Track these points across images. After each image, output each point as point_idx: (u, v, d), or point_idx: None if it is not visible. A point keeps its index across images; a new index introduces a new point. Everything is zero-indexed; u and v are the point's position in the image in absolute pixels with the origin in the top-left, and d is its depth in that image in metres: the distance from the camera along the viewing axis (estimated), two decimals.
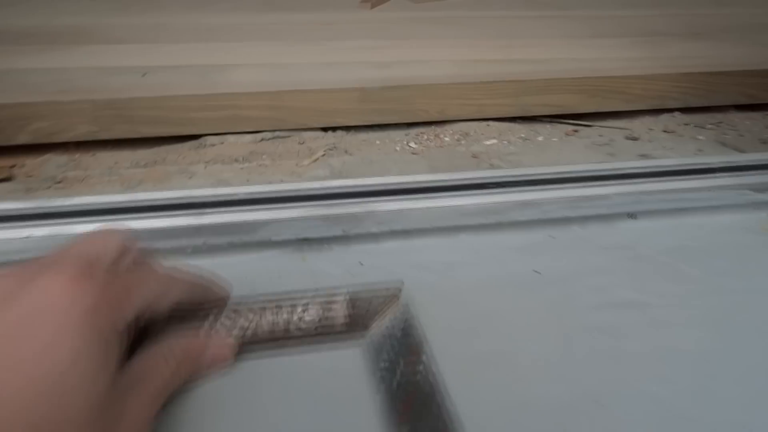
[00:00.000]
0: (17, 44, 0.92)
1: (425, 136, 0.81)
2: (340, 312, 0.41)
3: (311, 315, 0.40)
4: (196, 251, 0.48)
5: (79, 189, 0.64)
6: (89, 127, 0.74)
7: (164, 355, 0.35)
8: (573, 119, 0.86)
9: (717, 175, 0.56)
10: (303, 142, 0.79)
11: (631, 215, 0.55)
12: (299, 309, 0.40)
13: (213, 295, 0.40)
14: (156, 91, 0.76)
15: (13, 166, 0.70)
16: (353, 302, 0.42)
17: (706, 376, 0.39)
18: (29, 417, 0.27)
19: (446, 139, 0.80)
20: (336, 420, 0.36)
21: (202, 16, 1.11)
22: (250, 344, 0.39)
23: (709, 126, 0.86)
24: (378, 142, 0.80)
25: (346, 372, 0.39)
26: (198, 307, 0.38)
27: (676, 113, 0.88)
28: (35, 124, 0.73)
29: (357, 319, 0.41)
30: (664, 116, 0.88)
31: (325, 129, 0.81)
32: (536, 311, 0.45)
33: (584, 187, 0.54)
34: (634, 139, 0.81)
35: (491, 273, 0.49)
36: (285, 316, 0.40)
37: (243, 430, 0.35)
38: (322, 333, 0.40)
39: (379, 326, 0.41)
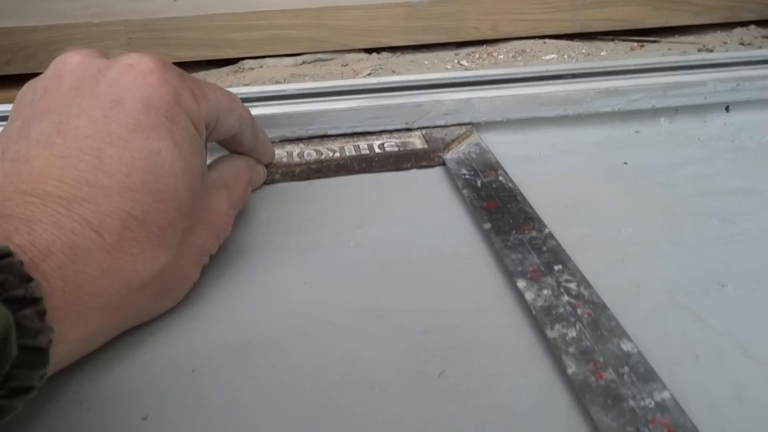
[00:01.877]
0: None
1: (477, 55, 0.76)
2: (417, 142, 0.44)
3: (390, 145, 0.44)
4: None
5: None
6: (123, 51, 0.70)
7: (247, 163, 0.38)
8: (638, 35, 0.80)
9: None
10: (346, 64, 0.74)
11: (726, 107, 0.50)
12: (378, 142, 0.44)
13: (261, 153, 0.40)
14: (191, 11, 0.72)
15: None
16: (429, 135, 0.46)
17: None
18: (133, 197, 0.26)
19: (501, 57, 0.75)
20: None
21: None
22: (339, 169, 0.42)
23: None
24: (426, 62, 0.75)
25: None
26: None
27: (752, 26, 0.81)
28: (67, 49, 0.68)
29: (434, 146, 0.44)
30: (738, 29, 0.81)
31: (369, 51, 0.76)
32: (633, 198, 0.40)
33: (677, 74, 0.48)
34: (709, 51, 0.74)
35: (574, 165, 0.44)
36: (366, 146, 0.44)
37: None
38: (402, 158, 0.43)
39: (456, 152, 0.43)
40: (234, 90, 0.46)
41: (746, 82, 0.48)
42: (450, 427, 0.24)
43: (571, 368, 0.25)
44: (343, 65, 0.74)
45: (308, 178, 0.41)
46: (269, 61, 0.74)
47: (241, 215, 0.37)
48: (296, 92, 0.47)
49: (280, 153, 0.43)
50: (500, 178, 0.39)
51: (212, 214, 0.31)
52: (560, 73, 0.49)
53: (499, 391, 0.26)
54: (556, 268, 0.31)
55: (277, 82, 0.70)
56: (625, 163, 0.44)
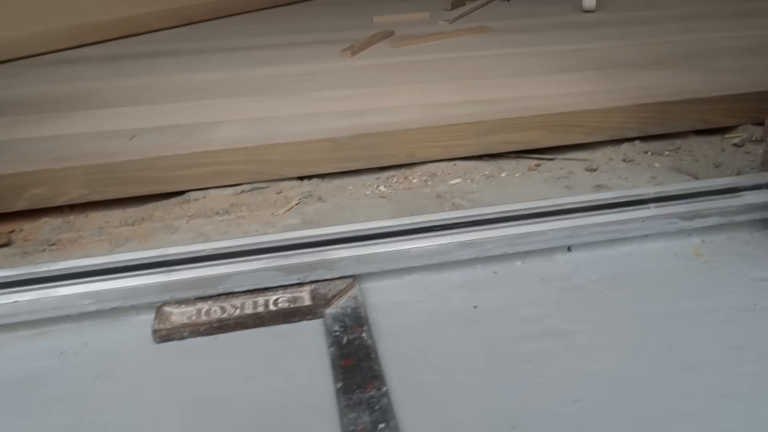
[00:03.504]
0: (21, 113, 1.00)
1: (395, 179, 0.87)
2: (306, 297, 0.55)
3: (283, 300, 0.54)
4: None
5: (71, 250, 0.71)
6: (82, 191, 0.81)
7: None
8: (537, 154, 0.91)
9: (648, 206, 0.61)
10: (280, 192, 0.85)
11: (569, 248, 0.60)
12: (274, 297, 0.55)
13: None
14: (143, 153, 0.83)
15: (12, 231, 0.77)
16: (315, 291, 0.56)
17: (615, 395, 0.44)
18: None
19: (414, 180, 0.86)
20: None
21: (193, 75, 1.19)
22: (237, 325, 0.52)
23: (667, 152, 0.90)
24: (350, 187, 0.86)
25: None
26: None
27: (637, 142, 0.93)
28: (32, 191, 0.80)
29: (318, 302, 0.54)
30: (625, 145, 0.93)
31: (301, 178, 0.88)
32: (471, 343, 0.50)
33: (524, 224, 0.59)
34: (593, 170, 0.86)
35: (433, 311, 0.54)
36: (263, 302, 0.54)
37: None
38: (290, 314, 0.53)
39: (336, 306, 0.54)
40: (157, 252, 0.56)
41: (579, 229, 0.59)
42: None
43: None
44: (277, 193, 0.85)
45: (212, 333, 0.52)
46: (212, 191, 0.85)
47: (148, 371, 0.47)
48: (210, 253, 0.58)
49: (191, 311, 0.53)
50: (363, 334, 0.50)
51: None
52: (429, 225, 0.60)
53: None
54: (380, 426, 0.40)
55: (217, 213, 0.81)
56: (475, 307, 0.55)
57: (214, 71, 1.21)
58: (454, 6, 1.70)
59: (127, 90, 1.12)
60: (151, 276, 0.54)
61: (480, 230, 0.59)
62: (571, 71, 1.08)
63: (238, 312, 0.53)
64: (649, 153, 0.90)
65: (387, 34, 1.41)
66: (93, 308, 0.53)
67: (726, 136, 0.94)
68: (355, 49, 1.29)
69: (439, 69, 1.15)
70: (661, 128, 0.93)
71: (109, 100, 1.06)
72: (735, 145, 0.92)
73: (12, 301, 0.52)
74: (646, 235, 0.61)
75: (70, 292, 0.52)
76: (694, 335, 0.49)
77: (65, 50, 1.46)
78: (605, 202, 0.62)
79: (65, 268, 0.55)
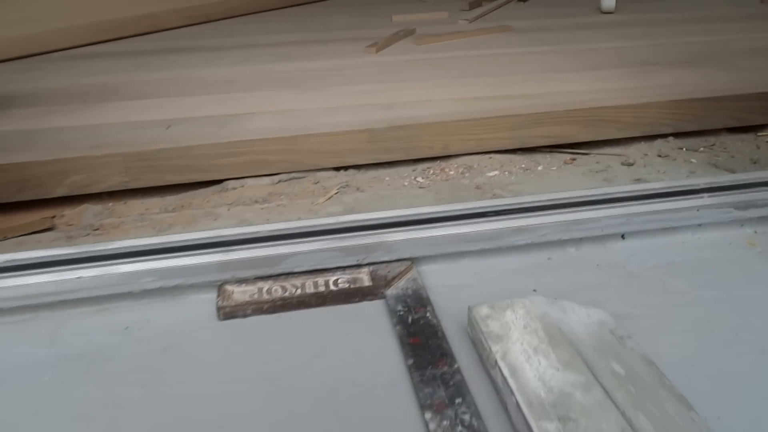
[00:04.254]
0: (51, 104, 1.00)
1: (431, 171, 0.87)
2: (365, 278, 0.55)
3: (342, 281, 0.55)
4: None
5: (115, 235, 0.71)
6: (121, 178, 0.81)
7: None
8: (571, 148, 0.92)
9: (701, 195, 0.61)
10: (317, 182, 0.85)
11: (622, 236, 0.61)
12: (333, 278, 0.55)
13: None
14: (180, 142, 0.83)
15: (53, 217, 0.77)
16: (374, 272, 0.55)
17: (687, 377, 0.44)
18: None
19: (451, 172, 0.87)
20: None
21: (217, 70, 1.19)
22: (299, 304, 0.52)
23: (702, 149, 0.91)
24: (387, 178, 0.86)
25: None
26: None
27: (670, 138, 0.93)
28: (71, 178, 0.80)
29: (378, 283, 0.54)
30: (659, 141, 0.93)
31: (337, 168, 0.88)
32: None
33: (578, 211, 0.59)
34: (630, 164, 0.86)
35: (492, 294, 0.54)
36: (323, 282, 0.55)
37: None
38: (351, 294, 0.54)
39: (396, 287, 0.54)
40: (217, 233, 0.56)
41: (633, 217, 0.59)
42: None
43: None
44: (314, 183, 0.85)
45: (275, 312, 0.51)
46: (249, 181, 0.85)
47: (215, 347, 0.47)
48: (268, 234, 0.58)
49: (252, 289, 0.53)
50: (428, 314, 0.50)
51: None
52: (484, 210, 0.60)
53: None
54: (457, 401, 0.40)
55: (256, 201, 0.81)
56: (534, 291, 0.55)
57: (238, 66, 1.21)
58: (471, 6, 1.71)
59: (155, 83, 1.12)
60: (212, 255, 0.54)
61: (534, 216, 0.60)
62: (599, 68, 1.08)
63: (299, 291, 0.53)
64: (684, 149, 0.91)
65: (409, 32, 1.42)
66: (155, 285, 0.53)
67: (760, 134, 0.95)
68: (380, 46, 1.30)
69: (465, 65, 1.15)
70: (694, 125, 0.93)
71: (138, 92, 1.06)
72: None
73: (76, 277, 0.51)
74: (699, 225, 0.61)
75: (133, 269, 0.52)
76: (760, 321, 0.50)
77: (85, 46, 1.46)
78: (658, 191, 0.63)
79: (128, 246, 0.55)
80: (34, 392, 0.45)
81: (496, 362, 0.43)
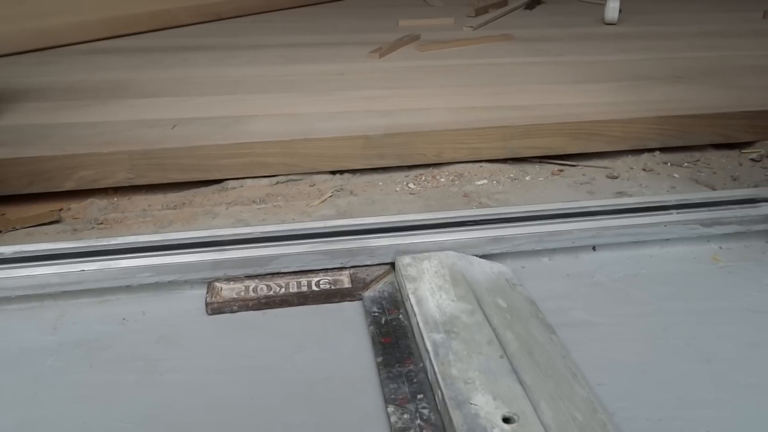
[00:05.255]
0: (64, 99, 1.05)
1: (423, 178, 0.91)
2: (345, 280, 0.59)
3: (324, 283, 0.59)
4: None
5: (118, 230, 0.75)
6: (127, 174, 0.85)
7: None
8: (560, 160, 0.95)
9: (670, 211, 0.65)
10: (313, 185, 0.90)
11: (593, 247, 0.64)
12: (316, 279, 0.59)
13: None
14: (185, 142, 0.87)
15: (60, 210, 0.81)
16: (355, 275, 0.59)
17: (637, 381, 0.48)
18: None
19: (442, 180, 0.90)
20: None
21: (226, 69, 1.24)
22: (282, 302, 0.56)
23: (686, 164, 0.94)
24: (380, 183, 0.90)
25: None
26: None
27: (657, 153, 0.97)
28: (80, 173, 0.84)
29: (357, 285, 0.58)
30: (645, 156, 0.96)
31: (333, 172, 0.92)
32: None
33: (552, 223, 0.63)
34: (614, 177, 0.90)
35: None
36: (306, 283, 0.59)
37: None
38: (331, 295, 0.58)
39: (374, 290, 0.58)
40: (210, 233, 0.60)
41: (604, 230, 0.63)
42: None
43: None
44: (310, 185, 0.90)
45: (260, 308, 0.56)
46: (249, 181, 0.90)
47: (203, 339, 0.51)
48: (259, 236, 0.62)
49: (240, 287, 0.58)
50: (400, 316, 0.54)
51: None
52: (462, 220, 0.64)
53: None
54: (419, 396, 0.44)
55: (254, 201, 0.85)
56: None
57: (246, 67, 1.26)
58: (477, 13, 1.74)
59: (165, 81, 1.16)
60: (205, 254, 0.58)
61: (510, 227, 0.63)
62: (594, 81, 1.12)
63: (283, 290, 0.57)
64: (669, 164, 0.94)
65: (413, 38, 1.46)
66: (151, 280, 0.57)
67: (744, 151, 0.98)
68: (383, 51, 1.33)
69: (465, 74, 1.19)
70: (680, 140, 0.96)
71: (148, 90, 1.11)
72: (752, 160, 0.96)
73: (79, 270, 0.56)
74: (667, 240, 0.64)
75: (131, 265, 0.57)
76: (712, 332, 0.53)
77: (99, 41, 1.51)
78: (629, 206, 0.66)
79: (128, 243, 0.59)
80: (37, 375, 0.50)
81: (408, 296, 0.54)
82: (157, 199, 0.86)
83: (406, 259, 0.58)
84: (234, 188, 0.89)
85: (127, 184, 0.86)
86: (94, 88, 1.11)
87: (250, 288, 0.58)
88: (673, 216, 0.65)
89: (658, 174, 0.91)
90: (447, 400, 0.42)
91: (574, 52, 1.33)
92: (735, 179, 0.89)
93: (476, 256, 0.61)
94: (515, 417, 0.40)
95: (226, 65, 1.27)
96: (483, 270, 0.57)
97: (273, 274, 0.59)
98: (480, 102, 1.02)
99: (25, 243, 0.63)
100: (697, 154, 0.97)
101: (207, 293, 0.57)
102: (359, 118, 0.96)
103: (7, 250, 0.59)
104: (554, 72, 1.18)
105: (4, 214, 0.79)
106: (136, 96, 1.07)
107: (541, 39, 1.47)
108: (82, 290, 0.57)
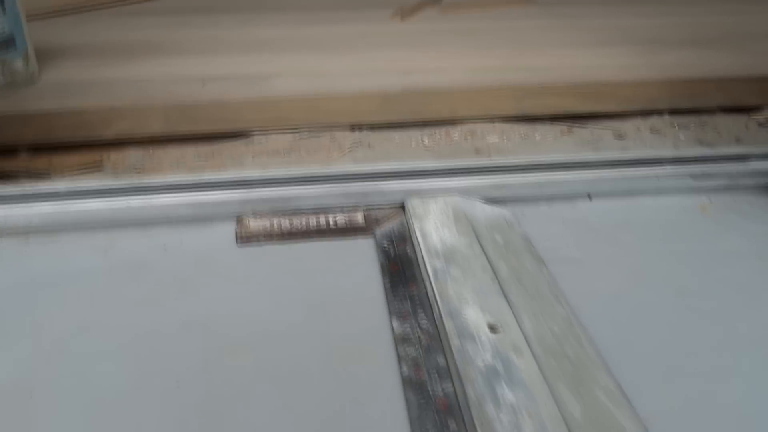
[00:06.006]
0: (102, 57, 1.13)
1: (437, 134, 0.98)
2: (359, 218, 0.66)
3: (341, 220, 0.66)
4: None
5: (156, 176, 0.83)
6: (161, 126, 0.93)
7: None
8: (571, 119, 1.01)
9: (664, 165, 0.71)
10: (334, 139, 0.97)
11: (589, 196, 0.71)
12: (333, 216, 0.67)
13: None
14: (214, 97, 0.95)
15: (101, 159, 0.90)
16: (368, 214, 0.66)
17: (613, 308, 0.55)
18: None
19: (455, 137, 0.97)
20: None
21: (253, 30, 1.30)
22: (303, 236, 0.63)
23: (693, 126, 0.99)
24: (397, 138, 0.97)
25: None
26: None
27: (666, 115, 1.02)
28: (119, 123, 0.93)
29: (370, 223, 0.65)
30: (654, 117, 1.02)
31: (352, 128, 0.99)
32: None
33: (550, 173, 0.70)
34: (621, 137, 0.95)
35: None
36: (324, 220, 0.66)
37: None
38: (347, 231, 0.65)
39: (384, 227, 0.65)
40: (240, 174, 0.68)
41: (599, 181, 0.69)
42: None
43: (404, 371, 0.46)
44: (331, 140, 0.97)
45: (283, 241, 0.64)
46: (273, 135, 0.97)
47: (233, 266, 0.59)
48: (282, 178, 0.70)
49: (265, 222, 0.66)
50: (407, 249, 0.61)
51: None
52: (469, 167, 0.71)
53: (358, 379, 0.47)
54: (420, 312, 0.52)
55: (278, 153, 0.93)
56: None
57: (272, 28, 1.32)
58: None
59: (194, 41, 1.24)
60: (235, 192, 0.66)
61: (512, 175, 0.70)
62: (609, 45, 1.16)
63: (304, 226, 0.65)
64: (676, 126, 0.99)
65: (436, 1, 1.51)
66: (188, 214, 0.66)
67: (753, 114, 1.02)
68: (405, 14, 1.39)
69: (484, 36, 1.24)
70: (690, 103, 1.01)
71: (179, 49, 1.18)
72: (759, 124, 1.00)
73: (126, 205, 0.65)
74: (660, 191, 0.71)
75: (171, 202, 0.65)
76: (688, 268, 0.60)
77: (132, 4, 1.59)
78: (625, 159, 0.72)
79: (168, 182, 0.68)
80: (92, 289, 0.59)
81: (414, 231, 0.63)
82: (189, 150, 0.94)
83: (415, 201, 0.65)
84: (260, 142, 0.96)
85: (162, 136, 0.94)
86: (128, 48, 1.19)
87: (275, 223, 0.66)
88: (667, 169, 0.71)
89: (665, 135, 0.96)
90: (442, 313, 0.49)
91: (593, 15, 1.37)
92: (738, 140, 0.94)
93: (480, 201, 0.68)
94: (499, 326, 0.48)
95: (253, 26, 1.34)
96: (484, 212, 0.64)
97: (295, 212, 0.67)
98: (495, 63, 1.07)
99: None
100: (705, 117, 1.02)
101: (236, 226, 0.65)
102: (379, 77, 1.03)
103: (62, 187, 0.68)
104: (571, 35, 1.23)
105: (51, 161, 0.88)
106: (167, 55, 1.15)
107: (561, 2, 1.51)
108: (128, 222, 0.65)
